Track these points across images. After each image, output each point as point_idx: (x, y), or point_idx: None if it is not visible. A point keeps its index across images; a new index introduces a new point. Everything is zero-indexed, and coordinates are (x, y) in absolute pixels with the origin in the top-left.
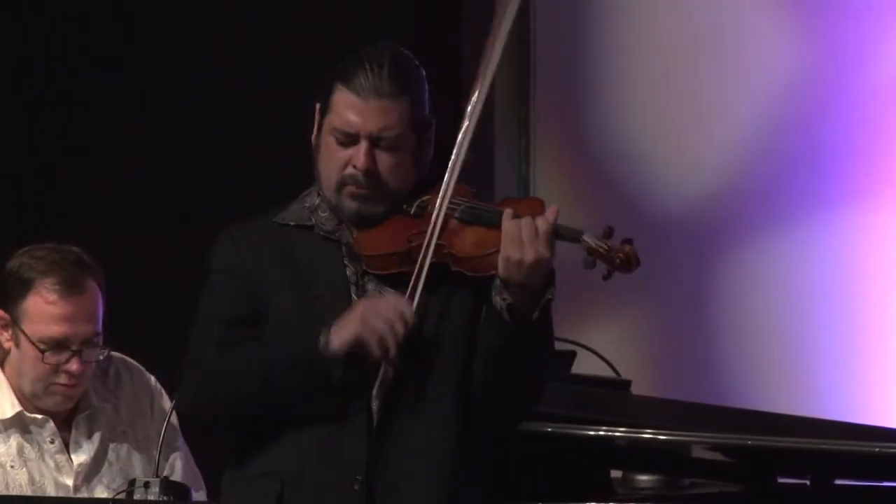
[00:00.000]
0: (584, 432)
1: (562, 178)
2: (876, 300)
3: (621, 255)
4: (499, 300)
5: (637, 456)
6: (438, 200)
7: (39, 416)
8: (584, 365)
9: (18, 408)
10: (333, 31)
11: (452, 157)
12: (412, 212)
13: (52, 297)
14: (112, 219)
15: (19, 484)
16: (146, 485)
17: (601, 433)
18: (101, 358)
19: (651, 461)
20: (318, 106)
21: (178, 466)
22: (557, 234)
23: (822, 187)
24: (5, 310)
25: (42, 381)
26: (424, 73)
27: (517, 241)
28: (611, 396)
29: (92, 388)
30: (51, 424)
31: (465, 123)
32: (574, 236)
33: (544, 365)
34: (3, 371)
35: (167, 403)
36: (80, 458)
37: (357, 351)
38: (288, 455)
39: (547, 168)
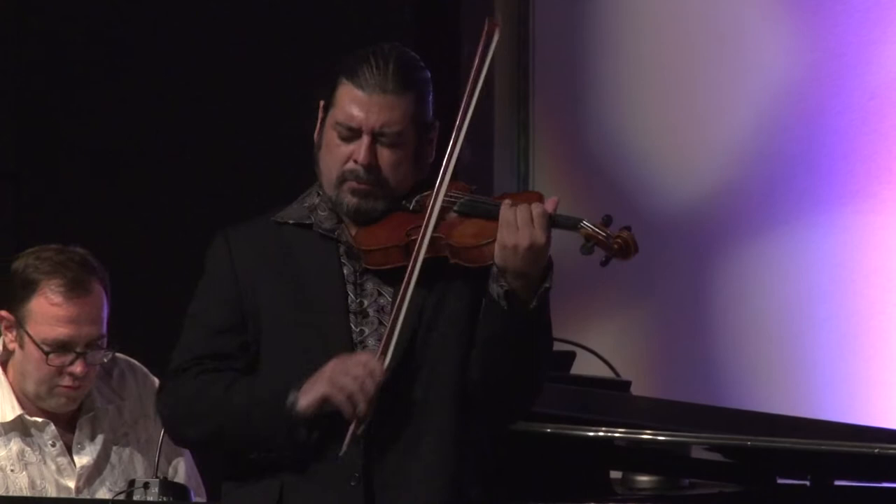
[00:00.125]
0: (583, 433)
1: (561, 179)
2: (875, 301)
3: (619, 240)
4: (496, 287)
5: (637, 456)
6: (434, 191)
7: (40, 420)
8: (584, 366)
9: (19, 411)
10: (333, 32)
11: (448, 150)
12: (411, 207)
13: (57, 298)
14: (111, 219)
15: (20, 487)
16: (146, 485)
17: (601, 434)
18: (106, 360)
19: (651, 462)
20: (321, 103)
21: (181, 470)
22: (556, 222)
23: (820, 188)
24: (10, 311)
25: (46, 383)
26: (429, 75)
27: (512, 225)
28: (610, 397)
29: (96, 390)
30: (52, 427)
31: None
32: (572, 223)
33: (542, 356)
34: (6, 373)
35: None
36: (83, 460)
37: (326, 409)
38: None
39: (546, 168)
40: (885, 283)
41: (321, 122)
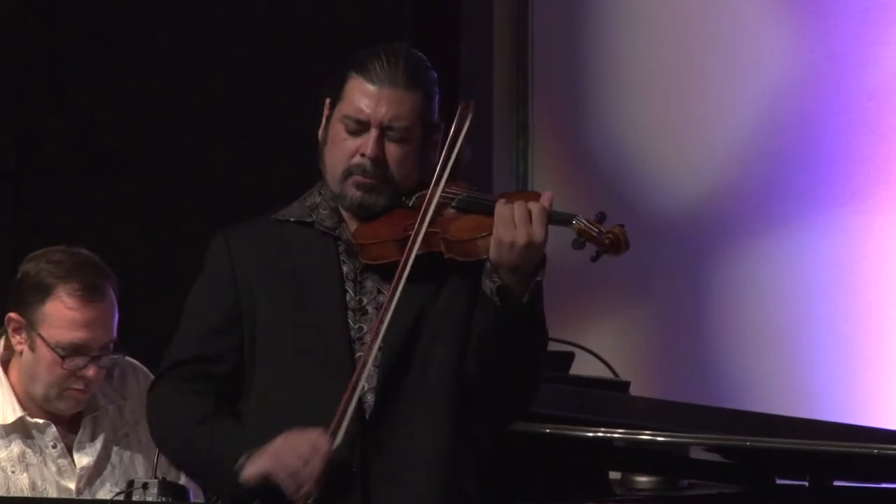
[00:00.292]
0: (582, 433)
1: (560, 179)
2: (873, 301)
3: (611, 236)
4: (489, 283)
5: (636, 457)
6: (431, 186)
7: (41, 421)
8: (583, 366)
9: (20, 413)
10: (333, 32)
11: (446, 147)
12: (411, 204)
13: (74, 302)
14: (111, 219)
15: (20, 489)
16: (145, 486)
17: (600, 434)
18: (114, 364)
19: (650, 462)
20: (327, 101)
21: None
22: (550, 217)
23: (819, 188)
24: (20, 314)
25: (57, 386)
26: (436, 76)
27: (509, 222)
28: (609, 397)
29: (98, 389)
30: (52, 429)
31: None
32: (566, 219)
33: (538, 353)
34: (7, 375)
35: None
36: (84, 460)
37: (271, 483)
38: None
39: (545, 169)
40: (884, 283)
41: (327, 119)
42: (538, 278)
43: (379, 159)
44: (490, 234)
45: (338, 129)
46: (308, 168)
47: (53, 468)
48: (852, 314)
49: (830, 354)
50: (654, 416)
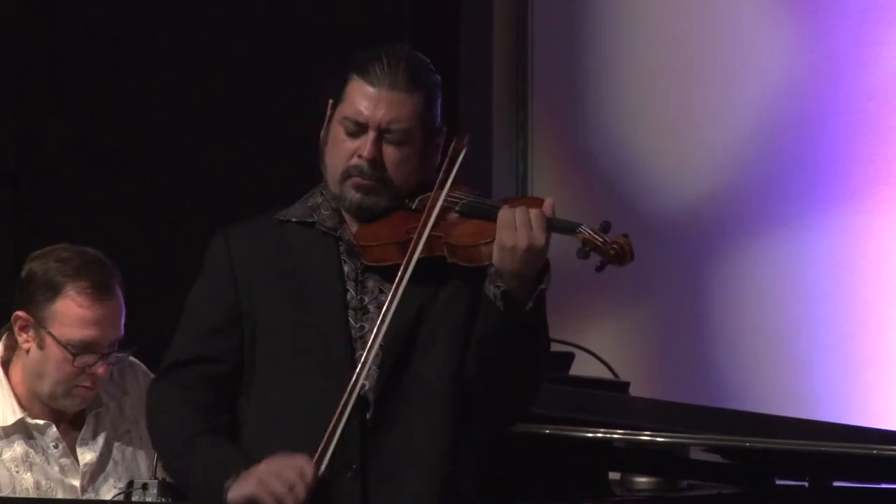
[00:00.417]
0: (582, 434)
1: (559, 180)
2: (873, 301)
3: (616, 246)
4: (492, 288)
5: (635, 457)
6: (434, 190)
7: (42, 422)
8: (583, 367)
9: (20, 414)
10: (332, 32)
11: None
12: (413, 206)
13: (85, 300)
14: (111, 219)
15: (25, 488)
16: (144, 486)
17: (599, 435)
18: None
19: (649, 463)
20: (330, 101)
21: None
22: (553, 225)
23: (819, 189)
24: (28, 312)
25: (65, 384)
26: (439, 80)
27: (511, 226)
28: (609, 398)
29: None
30: (53, 429)
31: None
32: (570, 227)
33: (539, 357)
34: (8, 376)
35: None
36: (87, 456)
37: None
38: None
39: (545, 169)
40: (883, 283)
41: (328, 119)
42: (543, 286)
43: (376, 161)
44: (493, 240)
45: (338, 131)
46: (308, 168)
47: (56, 468)
48: (852, 314)
49: (830, 355)
50: (653, 417)
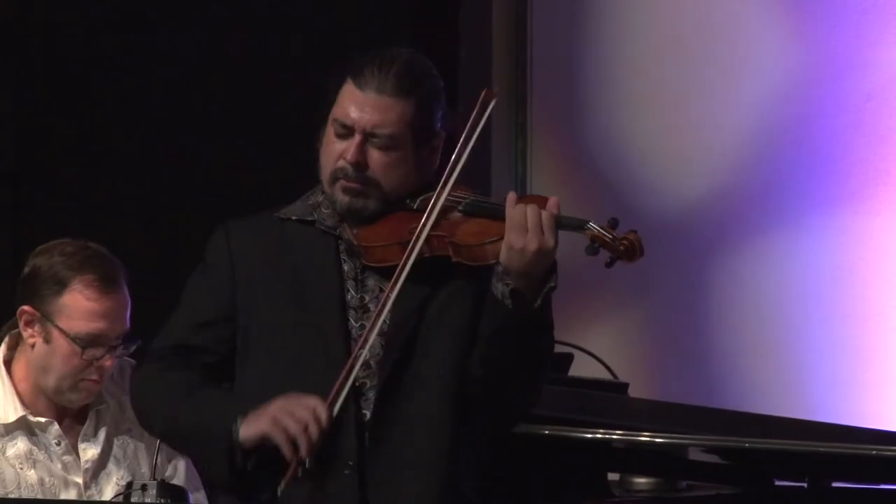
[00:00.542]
0: (581, 435)
1: (558, 181)
2: (872, 302)
3: (626, 242)
4: (500, 286)
5: (634, 458)
6: (436, 191)
7: (44, 420)
8: (582, 367)
9: (22, 412)
10: (332, 32)
11: (455, 152)
12: (415, 207)
13: (93, 293)
14: (110, 219)
15: (30, 485)
16: (143, 487)
17: (598, 436)
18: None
19: (648, 463)
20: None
21: (180, 468)
22: (562, 223)
23: (818, 190)
24: (34, 306)
25: (71, 378)
26: (442, 84)
27: (521, 228)
28: (608, 399)
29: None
30: (55, 427)
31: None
32: (578, 224)
33: (543, 356)
34: (11, 374)
35: None
36: (89, 452)
37: (267, 445)
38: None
39: (544, 170)
40: (882, 284)
41: (326, 119)
42: (551, 284)
43: (360, 164)
44: (499, 238)
45: (329, 132)
46: (308, 168)
47: (59, 465)
48: (851, 315)
49: (829, 355)
50: (652, 418)
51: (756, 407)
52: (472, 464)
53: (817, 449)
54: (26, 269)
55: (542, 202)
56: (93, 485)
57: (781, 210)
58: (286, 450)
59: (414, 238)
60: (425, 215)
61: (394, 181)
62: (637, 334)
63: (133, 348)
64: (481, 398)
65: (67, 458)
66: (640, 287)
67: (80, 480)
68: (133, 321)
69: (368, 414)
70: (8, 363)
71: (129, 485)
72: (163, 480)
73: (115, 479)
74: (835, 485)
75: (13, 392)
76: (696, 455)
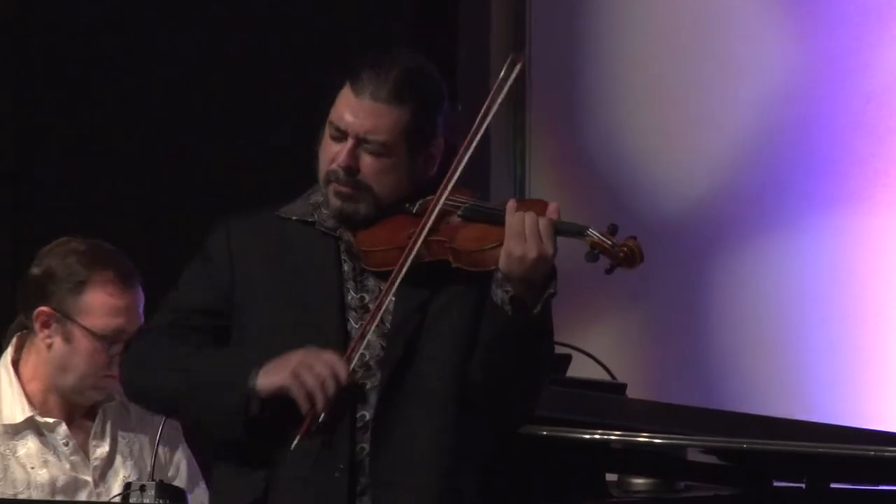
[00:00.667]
0: (579, 435)
1: (557, 182)
2: (871, 303)
3: (625, 248)
4: (500, 293)
5: (632, 459)
6: (436, 196)
7: (51, 420)
8: (580, 368)
9: (29, 413)
10: (330, 32)
11: (458, 156)
12: (414, 211)
13: (113, 289)
14: (109, 220)
15: (41, 484)
16: (142, 488)
17: (597, 436)
18: None
19: (646, 464)
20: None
21: (182, 466)
22: (561, 230)
23: (817, 190)
24: (52, 307)
25: (93, 375)
26: (444, 92)
27: (520, 236)
28: (606, 399)
29: None
30: (63, 427)
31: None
32: (578, 231)
33: (543, 360)
34: (18, 373)
35: None
36: (98, 449)
37: (283, 398)
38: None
39: (542, 171)
40: (881, 285)
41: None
42: (551, 290)
43: (351, 169)
44: (498, 244)
45: (326, 133)
46: (309, 168)
47: (67, 465)
48: (849, 316)
49: (827, 356)
50: (651, 418)
51: (754, 407)
52: (472, 465)
53: (816, 450)
54: (36, 271)
55: (541, 208)
56: (101, 483)
57: (780, 210)
58: (303, 404)
59: (411, 242)
60: (423, 220)
61: (385, 187)
62: (635, 335)
63: None
64: (481, 402)
65: (75, 457)
66: (639, 288)
67: (89, 479)
68: None
69: (367, 415)
70: (15, 364)
71: (128, 486)
72: (161, 481)
73: (122, 476)
74: (833, 486)
75: (21, 393)
76: (694, 456)
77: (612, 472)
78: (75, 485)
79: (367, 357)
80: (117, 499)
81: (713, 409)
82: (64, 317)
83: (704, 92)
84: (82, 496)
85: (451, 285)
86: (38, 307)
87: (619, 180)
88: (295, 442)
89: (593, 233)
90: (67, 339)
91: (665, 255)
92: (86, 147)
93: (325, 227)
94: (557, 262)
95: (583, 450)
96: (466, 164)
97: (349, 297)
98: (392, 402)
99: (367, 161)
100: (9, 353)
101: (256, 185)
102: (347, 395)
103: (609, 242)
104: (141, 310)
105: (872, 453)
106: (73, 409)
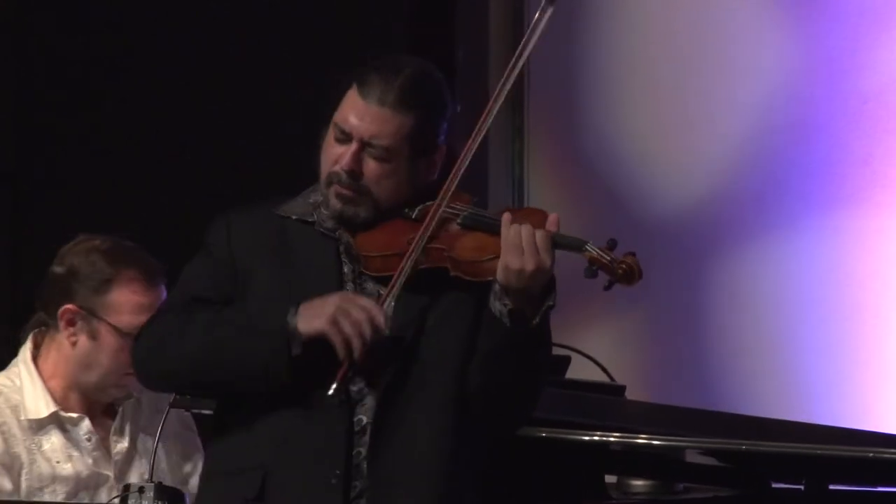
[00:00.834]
0: (578, 437)
1: (555, 182)
2: (870, 304)
3: (624, 266)
4: (498, 305)
5: (631, 461)
6: (436, 202)
7: (75, 415)
8: (579, 370)
9: (53, 408)
10: (329, 32)
11: (458, 161)
12: (413, 216)
13: (139, 287)
14: (109, 220)
15: (65, 478)
16: (140, 490)
17: (595, 438)
18: None
19: (645, 466)
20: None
21: (200, 466)
22: (560, 243)
23: (815, 192)
24: (78, 305)
25: (116, 373)
26: (450, 99)
27: (517, 249)
28: (605, 401)
29: None
30: (86, 422)
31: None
32: (576, 245)
33: (541, 370)
34: (39, 369)
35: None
36: (119, 445)
37: (321, 342)
38: (269, 451)
39: (541, 172)
40: (880, 287)
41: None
42: (550, 303)
43: (354, 173)
44: (496, 256)
45: (330, 134)
46: (309, 168)
47: (90, 460)
48: (848, 318)
49: (826, 357)
50: (649, 420)
51: (753, 409)
52: (472, 469)
53: (814, 451)
54: (59, 269)
55: (539, 219)
56: (121, 478)
57: (778, 212)
58: (341, 351)
59: (411, 250)
60: (423, 227)
61: (386, 191)
62: (634, 336)
63: None
64: (480, 406)
65: (97, 452)
66: (637, 289)
67: (110, 474)
68: None
69: (365, 419)
70: (34, 361)
71: (127, 487)
72: (160, 483)
73: (138, 473)
74: (832, 487)
75: (44, 388)
76: (693, 457)
77: (611, 473)
78: (97, 479)
79: (353, 388)
80: (116, 500)
81: (712, 411)
82: (90, 314)
83: (703, 93)
84: (103, 491)
85: (450, 291)
86: (62, 305)
87: (617, 181)
88: (333, 388)
89: (592, 248)
90: (93, 336)
91: (663, 256)
92: (85, 147)
93: (323, 228)
94: (556, 262)
95: (582, 451)
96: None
97: None
98: (391, 405)
99: (370, 165)
100: (28, 349)
101: (256, 184)
102: (382, 342)
103: (608, 258)
104: None
105: (871, 455)
106: (93, 406)
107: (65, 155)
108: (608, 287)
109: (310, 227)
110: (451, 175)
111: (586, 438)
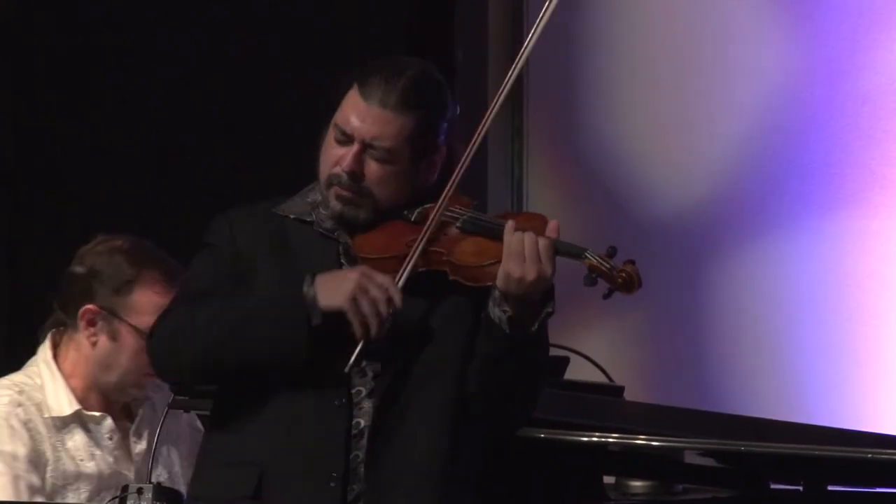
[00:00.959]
0: (577, 438)
1: (554, 183)
2: (869, 305)
3: (623, 274)
4: (498, 311)
5: (630, 461)
6: (437, 204)
7: (97, 414)
8: (577, 371)
9: (76, 406)
10: (328, 33)
11: (458, 164)
12: (413, 218)
13: (161, 288)
14: (108, 220)
15: (88, 476)
16: (139, 491)
17: (594, 439)
18: None
19: (644, 467)
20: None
21: None
22: (560, 250)
23: (814, 193)
24: (99, 305)
25: (135, 373)
26: (450, 100)
27: (519, 257)
28: (604, 402)
29: None
30: (109, 421)
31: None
32: (576, 253)
33: (540, 374)
34: (61, 368)
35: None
36: (138, 446)
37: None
38: (267, 449)
39: (540, 172)
40: (879, 288)
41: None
42: (549, 310)
43: (355, 174)
44: (497, 261)
45: (330, 135)
46: (309, 168)
47: (111, 459)
48: (846, 319)
49: (824, 359)
50: (648, 421)
51: (752, 410)
52: (471, 469)
53: (813, 452)
54: (79, 270)
55: (540, 225)
56: (139, 479)
57: (777, 213)
58: (358, 330)
59: (411, 252)
60: (423, 231)
61: (387, 193)
62: (633, 337)
63: None
64: (478, 409)
65: (118, 452)
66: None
67: (131, 474)
68: None
69: (363, 422)
70: (56, 358)
71: (125, 487)
72: (159, 484)
73: (155, 474)
74: (830, 488)
75: (65, 387)
76: (691, 458)
77: (609, 474)
78: (118, 479)
79: (364, 364)
80: (116, 500)
81: (710, 412)
82: (111, 315)
83: (702, 94)
84: None
85: (449, 295)
86: (82, 305)
87: (617, 182)
88: (350, 365)
89: (592, 255)
90: (113, 337)
91: (663, 256)
92: (85, 147)
93: (322, 229)
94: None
95: (580, 452)
96: (466, 168)
97: None
98: (390, 408)
99: (372, 167)
100: (47, 349)
101: (256, 184)
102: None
103: (607, 266)
104: None
105: (870, 456)
106: (112, 406)
107: (64, 155)
108: (608, 295)
109: (308, 226)
110: (452, 178)
111: (585, 439)
